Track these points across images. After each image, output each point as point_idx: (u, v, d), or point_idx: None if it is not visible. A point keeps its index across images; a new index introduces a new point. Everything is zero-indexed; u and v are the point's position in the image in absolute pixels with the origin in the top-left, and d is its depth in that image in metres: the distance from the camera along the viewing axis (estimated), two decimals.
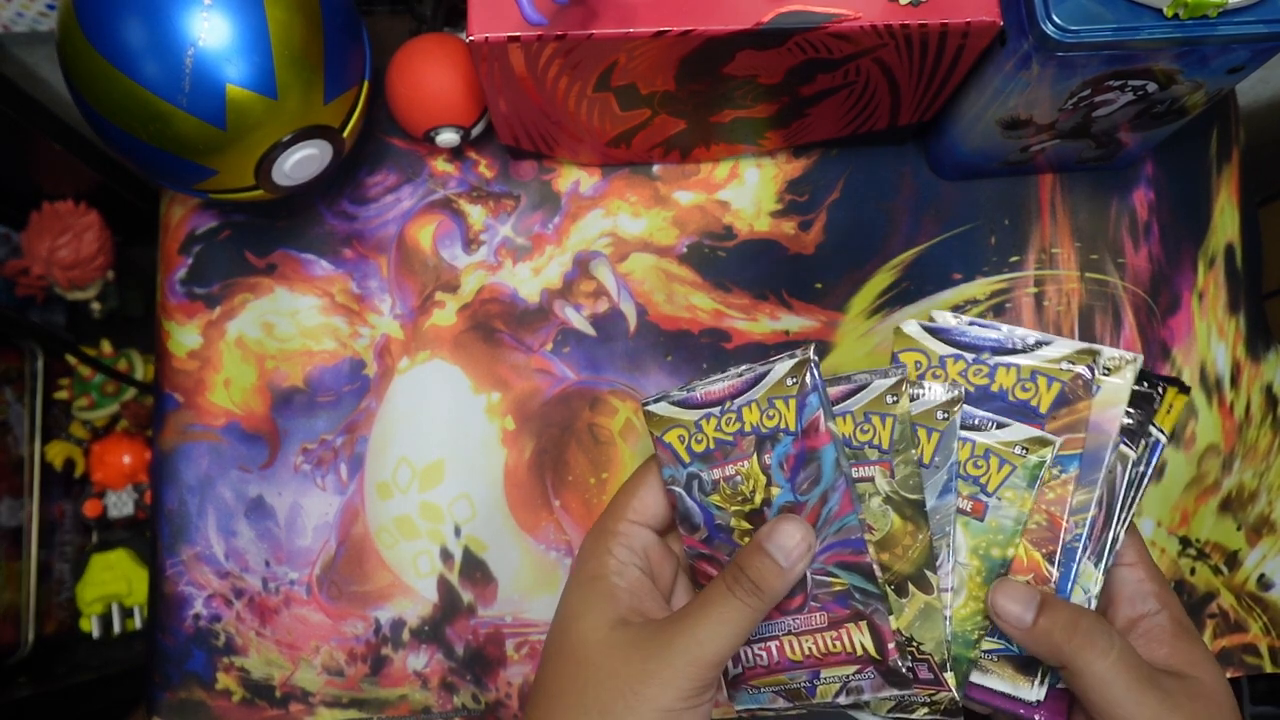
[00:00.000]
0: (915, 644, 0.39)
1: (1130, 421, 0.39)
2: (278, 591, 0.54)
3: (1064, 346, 0.39)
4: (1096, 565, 0.39)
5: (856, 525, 0.38)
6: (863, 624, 0.38)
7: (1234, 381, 0.55)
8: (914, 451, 0.38)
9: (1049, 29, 0.40)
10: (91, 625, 0.90)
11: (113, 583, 0.90)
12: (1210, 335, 0.56)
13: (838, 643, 0.39)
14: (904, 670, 0.38)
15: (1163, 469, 0.54)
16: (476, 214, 0.56)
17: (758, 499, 0.39)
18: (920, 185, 0.56)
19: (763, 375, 0.39)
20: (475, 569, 0.54)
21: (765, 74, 0.45)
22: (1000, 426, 0.39)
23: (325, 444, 0.54)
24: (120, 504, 0.93)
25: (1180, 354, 0.55)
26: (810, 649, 0.40)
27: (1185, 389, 0.40)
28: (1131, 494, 0.39)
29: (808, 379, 0.38)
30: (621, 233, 0.56)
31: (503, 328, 0.55)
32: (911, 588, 0.38)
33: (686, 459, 0.41)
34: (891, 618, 0.38)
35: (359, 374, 0.55)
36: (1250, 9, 0.40)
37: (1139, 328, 0.55)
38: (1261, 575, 0.54)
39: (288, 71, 0.44)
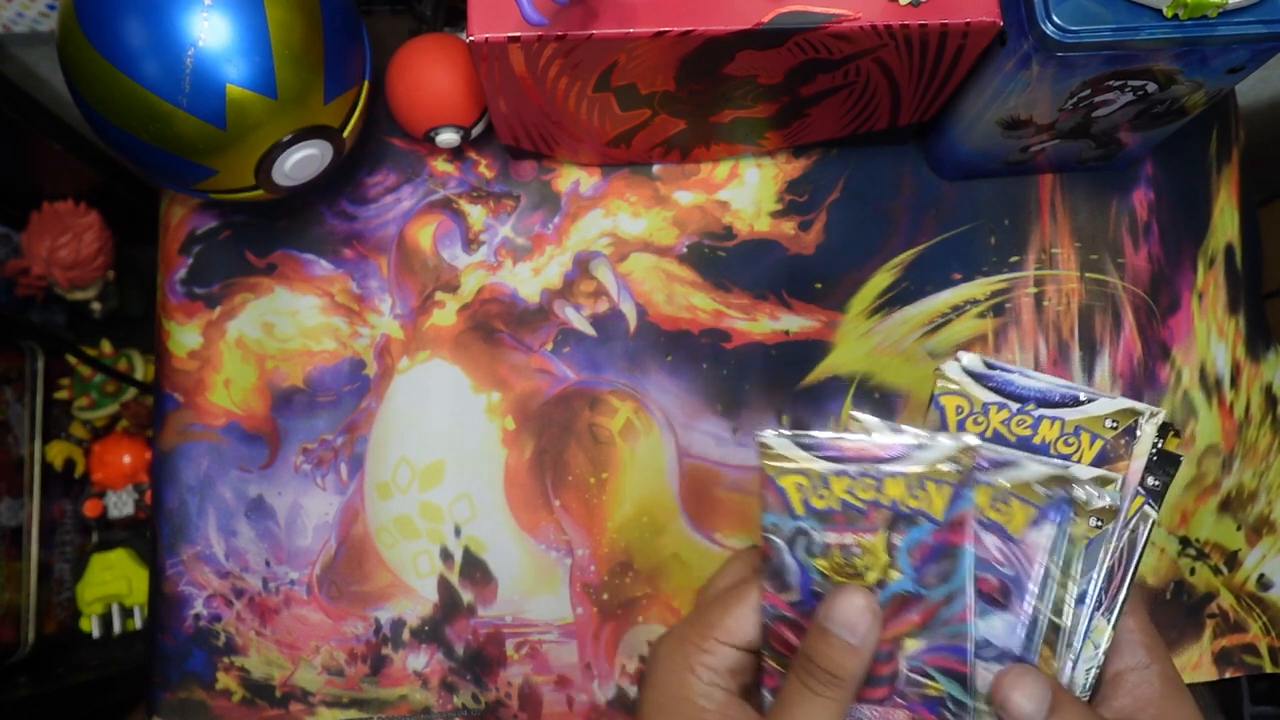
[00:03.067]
0: None
1: (1158, 484, 0.38)
2: (278, 591, 0.54)
3: (1108, 404, 0.38)
4: (1108, 621, 0.38)
5: (969, 635, 0.35)
6: None
7: (1234, 381, 0.55)
8: (1072, 572, 0.36)
9: (1049, 29, 0.40)
10: (91, 625, 0.90)
11: (113, 583, 0.90)
12: (1210, 335, 0.56)
13: None
14: None
15: None
16: (476, 214, 0.56)
17: (870, 578, 0.36)
18: (920, 185, 0.56)
19: (919, 447, 0.36)
20: (475, 569, 0.54)
21: (765, 74, 0.45)
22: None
23: (325, 444, 0.54)
24: (120, 504, 0.93)
25: (1180, 354, 0.55)
26: None
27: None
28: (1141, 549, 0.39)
29: (972, 469, 0.35)
30: (621, 233, 0.56)
31: (503, 328, 0.55)
32: None
33: (801, 512, 0.37)
34: None
35: (359, 374, 0.55)
36: (1250, 9, 0.40)
37: (1139, 328, 0.55)
38: (1261, 575, 0.54)
39: (288, 71, 0.44)
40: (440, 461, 0.54)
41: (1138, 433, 0.38)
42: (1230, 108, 0.57)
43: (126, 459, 0.92)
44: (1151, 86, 0.44)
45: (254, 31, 0.42)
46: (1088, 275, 0.56)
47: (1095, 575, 0.37)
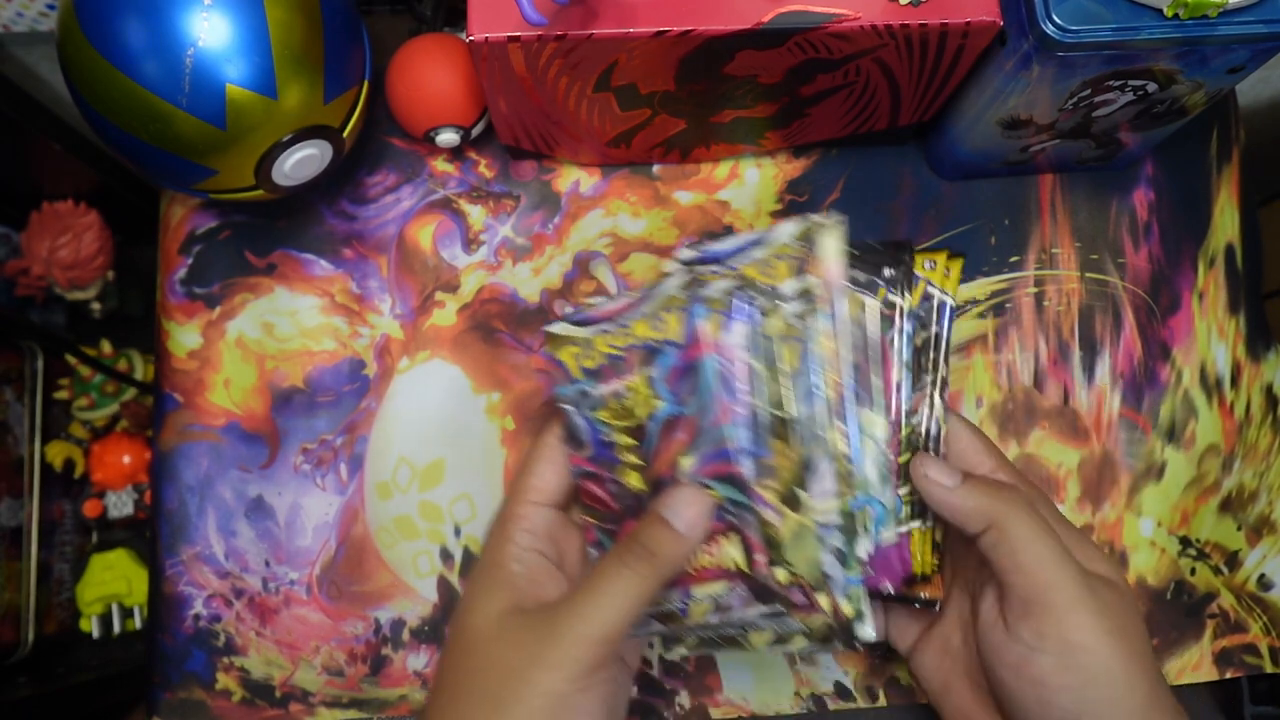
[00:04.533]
0: (788, 564, 0.38)
1: (894, 273, 0.43)
2: (278, 591, 0.54)
3: (788, 228, 0.41)
4: (875, 410, 0.41)
5: (731, 436, 0.37)
6: (734, 536, 0.38)
7: (1234, 381, 0.55)
8: (781, 365, 0.38)
9: (1049, 29, 0.40)
10: (91, 625, 0.90)
11: (113, 583, 0.90)
12: (1210, 335, 0.56)
13: (709, 556, 0.39)
14: (772, 584, 0.38)
15: (1163, 469, 0.54)
16: (476, 214, 0.56)
17: (642, 413, 0.39)
18: (920, 185, 0.56)
19: (655, 290, 0.40)
20: None
21: (765, 74, 0.45)
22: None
23: (325, 444, 0.54)
24: (120, 504, 0.93)
25: (1180, 354, 0.55)
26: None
27: (956, 255, 0.45)
28: (935, 354, 0.43)
29: (696, 292, 0.39)
30: (621, 233, 0.56)
31: (503, 328, 0.55)
32: (784, 508, 0.38)
33: (579, 375, 0.41)
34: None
35: (359, 374, 0.55)
36: (1250, 9, 0.40)
37: (1139, 328, 0.55)
38: (1261, 575, 0.54)
39: (288, 71, 0.44)
40: (440, 461, 0.54)
41: (815, 237, 0.40)
42: (1230, 108, 0.57)
43: (126, 459, 0.92)
44: (1151, 86, 0.44)
45: (254, 31, 0.42)
46: (1088, 275, 0.56)
47: (823, 370, 0.39)
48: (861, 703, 0.52)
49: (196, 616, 0.54)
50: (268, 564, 0.54)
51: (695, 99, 0.47)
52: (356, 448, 0.54)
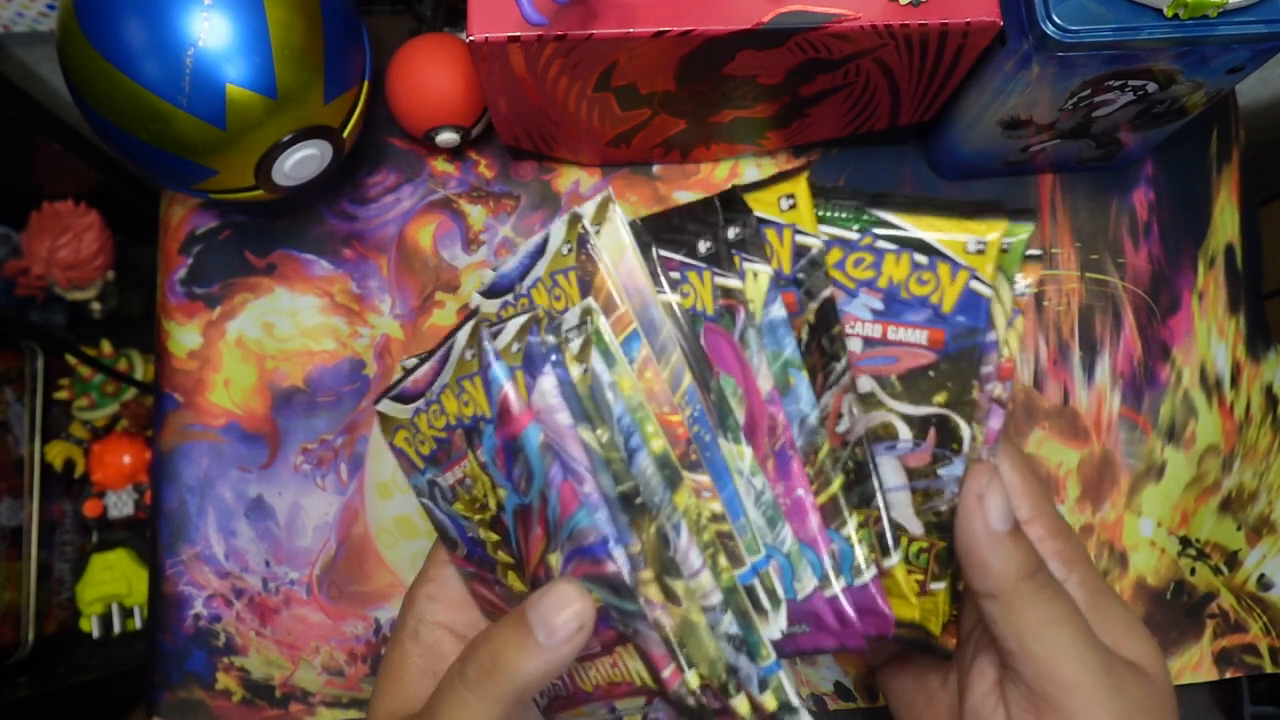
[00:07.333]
0: (695, 666, 0.30)
1: (739, 234, 0.30)
2: (278, 591, 0.54)
3: (558, 230, 0.32)
4: (732, 438, 0.30)
5: (591, 526, 0.28)
6: (630, 647, 0.30)
7: (1234, 381, 0.55)
8: (605, 423, 0.29)
9: (1049, 29, 0.40)
10: (91, 625, 0.90)
11: (113, 583, 0.90)
12: (1210, 335, 0.56)
13: (616, 670, 0.31)
14: (690, 702, 0.30)
15: (1163, 469, 0.54)
16: (476, 214, 0.56)
17: (492, 504, 0.31)
18: (920, 185, 0.56)
19: (448, 351, 0.31)
20: None
21: (765, 74, 0.45)
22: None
23: (325, 444, 0.54)
24: (120, 504, 0.93)
25: (1180, 354, 0.55)
26: (596, 679, 0.32)
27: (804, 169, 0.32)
28: (836, 329, 0.30)
29: (485, 347, 0.29)
30: None
31: None
32: (666, 602, 0.29)
33: (421, 464, 0.33)
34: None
35: (359, 374, 0.55)
36: (1250, 9, 0.40)
37: (1139, 328, 0.55)
38: (1261, 575, 0.54)
39: (288, 71, 0.44)
40: None
41: (589, 234, 0.31)
42: (1230, 108, 0.57)
43: (126, 459, 0.92)
44: (1151, 86, 0.44)
45: (254, 31, 0.42)
46: (1088, 275, 0.56)
47: (636, 414, 0.29)
48: (861, 703, 0.52)
49: (196, 616, 0.54)
50: (268, 564, 0.54)
51: (695, 99, 0.47)
52: (357, 448, 0.54)
